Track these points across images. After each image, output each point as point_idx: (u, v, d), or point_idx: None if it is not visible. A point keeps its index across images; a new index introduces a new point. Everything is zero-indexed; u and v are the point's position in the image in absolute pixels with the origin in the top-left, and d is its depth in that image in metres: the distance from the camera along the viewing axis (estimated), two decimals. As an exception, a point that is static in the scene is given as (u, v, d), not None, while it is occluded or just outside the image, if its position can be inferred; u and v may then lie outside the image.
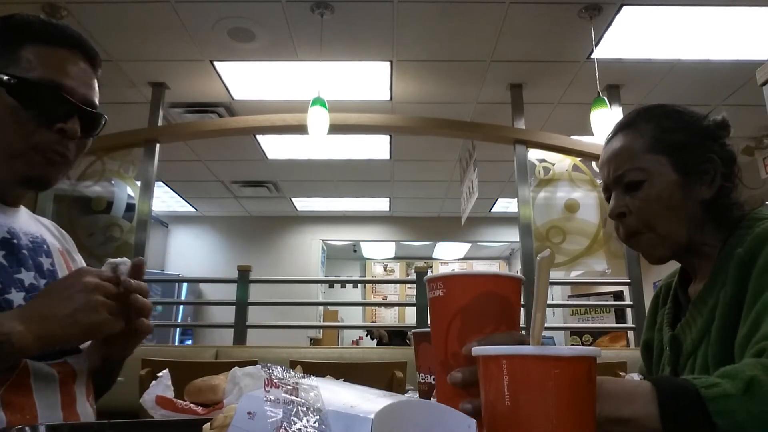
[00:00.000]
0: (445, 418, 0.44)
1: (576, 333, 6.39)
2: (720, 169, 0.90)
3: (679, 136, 0.92)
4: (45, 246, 0.89)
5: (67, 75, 0.84)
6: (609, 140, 0.99)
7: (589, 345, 5.42)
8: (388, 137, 4.90)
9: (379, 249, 9.13)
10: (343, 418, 0.40)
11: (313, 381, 0.44)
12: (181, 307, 6.74)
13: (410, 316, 7.69)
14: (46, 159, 0.83)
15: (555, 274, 3.63)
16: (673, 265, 1.01)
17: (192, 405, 0.88)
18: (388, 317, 8.95)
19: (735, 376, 0.60)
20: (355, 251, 9.21)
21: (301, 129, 3.44)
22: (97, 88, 0.90)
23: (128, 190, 3.76)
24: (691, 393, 0.58)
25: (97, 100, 0.89)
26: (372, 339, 6.66)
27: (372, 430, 0.38)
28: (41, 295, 0.71)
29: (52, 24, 0.86)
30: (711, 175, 0.90)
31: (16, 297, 0.78)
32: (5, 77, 0.80)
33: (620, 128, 0.97)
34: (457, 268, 9.48)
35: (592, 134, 3.45)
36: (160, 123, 3.95)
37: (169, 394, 0.89)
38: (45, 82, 0.82)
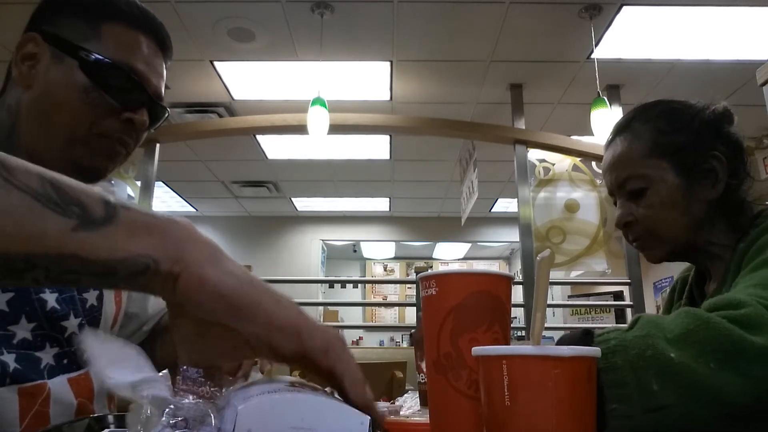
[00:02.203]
0: (335, 415, 0.41)
1: (576, 333, 6.38)
2: (724, 165, 0.87)
3: (677, 137, 0.89)
4: None
5: (144, 62, 0.77)
6: (608, 144, 0.96)
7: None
8: (388, 137, 4.90)
9: (379, 249, 9.13)
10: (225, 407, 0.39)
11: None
12: (181, 307, 6.72)
13: (410, 316, 7.69)
14: (108, 149, 0.76)
15: (555, 274, 3.63)
16: (681, 262, 1.00)
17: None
18: (388, 317, 8.95)
19: None
20: (355, 251, 9.21)
21: (301, 129, 3.44)
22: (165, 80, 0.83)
23: (128, 190, 3.76)
24: (587, 331, 0.60)
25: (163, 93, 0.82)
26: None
27: (236, 422, 0.37)
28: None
29: (137, 4, 0.79)
30: (715, 174, 0.87)
31: (50, 297, 0.75)
32: (84, 53, 0.72)
33: (618, 131, 0.95)
34: (456, 268, 9.46)
35: (592, 134, 3.44)
36: (160, 123, 3.95)
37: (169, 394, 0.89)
38: (123, 66, 0.75)
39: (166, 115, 0.83)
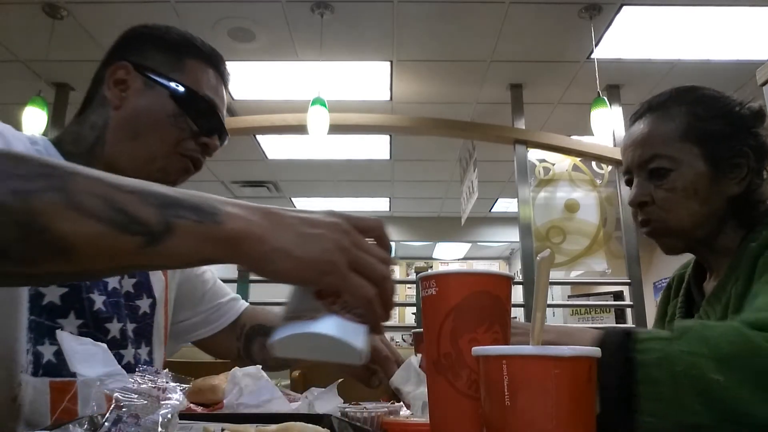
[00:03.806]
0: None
1: (576, 333, 6.37)
2: (752, 163, 0.85)
3: (713, 125, 0.86)
4: None
5: (215, 93, 0.90)
6: (635, 120, 0.92)
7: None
8: (388, 137, 4.90)
9: (379, 249, 9.12)
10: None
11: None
12: (181, 307, 6.73)
13: (410, 316, 7.69)
14: (185, 166, 0.88)
15: (555, 274, 3.63)
16: (682, 258, 0.98)
17: (192, 405, 0.88)
18: (388, 317, 8.93)
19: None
20: (355, 251, 9.20)
21: (301, 129, 3.44)
22: None
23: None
24: (630, 333, 0.60)
25: None
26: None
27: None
28: (276, 209, 0.52)
29: (208, 44, 0.92)
30: (743, 170, 0.85)
31: (98, 299, 0.80)
32: (173, 84, 0.85)
33: (649, 109, 0.91)
34: (456, 268, 9.45)
35: (592, 134, 3.44)
36: (160, 123, 3.95)
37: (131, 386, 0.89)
38: (204, 97, 0.87)
39: (228, 139, 0.96)
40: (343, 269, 0.49)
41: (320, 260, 0.49)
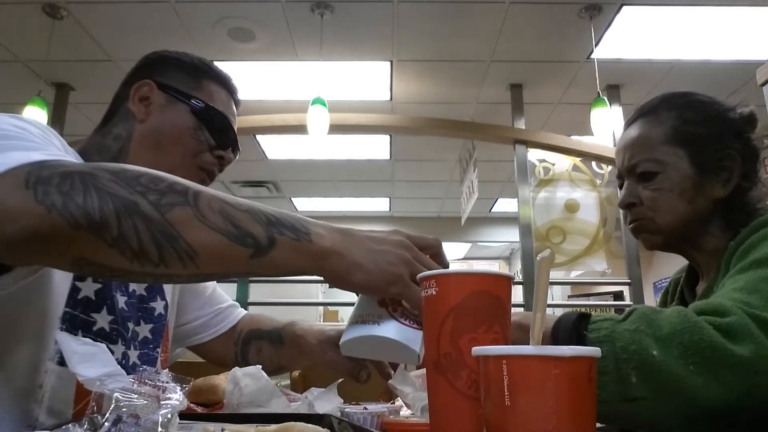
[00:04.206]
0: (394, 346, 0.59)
1: (576, 333, 6.38)
2: (739, 167, 0.87)
3: (700, 129, 0.88)
4: None
5: (230, 113, 0.98)
6: (628, 126, 0.95)
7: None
8: (388, 137, 4.90)
9: (379, 249, 9.12)
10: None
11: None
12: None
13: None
14: (202, 178, 0.94)
15: (555, 274, 3.63)
16: (681, 262, 0.99)
17: (192, 405, 0.88)
18: (388, 317, 8.93)
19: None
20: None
21: (301, 129, 3.44)
22: None
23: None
24: (584, 315, 0.64)
25: None
26: None
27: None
28: (349, 229, 0.62)
29: (222, 71, 1.01)
30: (728, 173, 0.87)
31: (120, 299, 0.84)
32: (193, 100, 0.93)
33: (640, 114, 0.94)
34: (456, 268, 9.46)
35: (592, 134, 3.45)
36: (160, 123, 3.95)
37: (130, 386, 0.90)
38: (222, 113, 0.95)
39: (239, 154, 1.02)
40: (407, 280, 0.59)
41: (387, 272, 0.59)
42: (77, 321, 0.77)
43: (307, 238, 0.58)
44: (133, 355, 0.87)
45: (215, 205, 0.56)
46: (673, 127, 0.89)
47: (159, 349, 0.93)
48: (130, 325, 0.87)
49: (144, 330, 0.91)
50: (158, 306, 0.95)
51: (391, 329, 0.60)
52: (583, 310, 0.74)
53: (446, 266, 0.64)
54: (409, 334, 0.60)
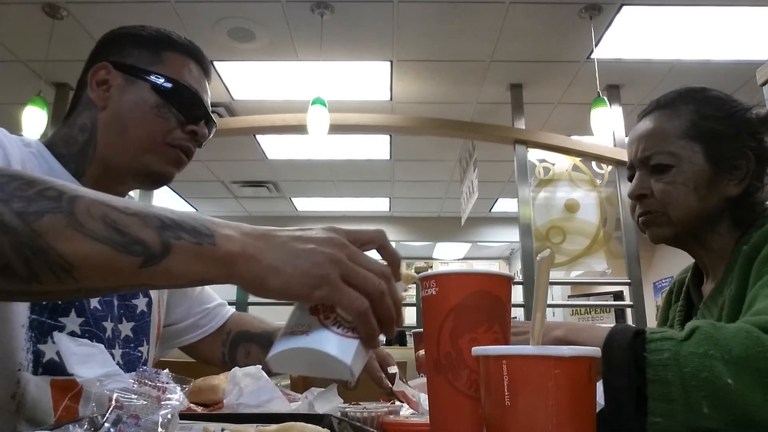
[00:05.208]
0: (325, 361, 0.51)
1: (576, 333, 6.37)
2: (753, 166, 0.86)
3: (717, 125, 0.87)
4: None
5: (198, 84, 0.92)
6: (642, 117, 0.94)
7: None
8: (388, 137, 4.90)
9: (379, 249, 9.12)
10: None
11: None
12: (181, 307, 6.73)
13: (410, 316, 7.69)
14: (176, 156, 0.89)
15: (555, 274, 3.63)
16: (682, 258, 0.99)
17: (192, 405, 0.88)
18: (388, 317, 8.93)
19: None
20: (355, 251, 9.20)
21: (301, 129, 3.44)
22: None
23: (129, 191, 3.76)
24: (639, 332, 0.60)
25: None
26: None
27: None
28: (270, 229, 0.54)
29: (185, 38, 0.94)
30: (743, 172, 0.86)
31: (92, 299, 0.81)
32: (153, 76, 0.86)
33: (657, 106, 0.93)
34: (456, 268, 9.47)
35: (592, 134, 3.45)
36: (160, 123, 3.94)
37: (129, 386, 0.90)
38: (187, 86, 0.89)
39: (215, 128, 0.96)
40: (335, 282, 0.50)
41: (310, 274, 0.49)
42: (45, 327, 0.75)
43: (211, 241, 0.50)
44: (117, 354, 0.85)
45: (96, 210, 0.48)
46: (691, 121, 0.88)
47: (143, 348, 0.91)
48: (107, 325, 0.84)
49: (125, 328, 0.88)
50: (140, 303, 0.92)
51: (317, 339, 0.51)
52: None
53: (395, 260, 0.57)
54: (340, 343, 0.51)
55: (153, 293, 0.95)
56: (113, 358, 0.84)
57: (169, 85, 0.87)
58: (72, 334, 0.77)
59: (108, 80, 0.87)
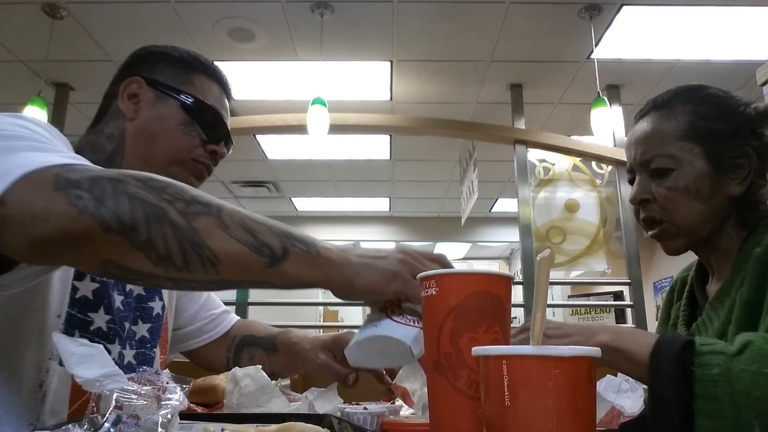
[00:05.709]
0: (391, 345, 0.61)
1: (576, 333, 6.36)
2: (755, 164, 0.85)
3: (716, 125, 0.85)
4: None
5: (220, 105, 0.97)
6: (640, 118, 0.92)
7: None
8: (388, 137, 4.90)
9: (379, 249, 9.12)
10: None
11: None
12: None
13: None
14: (198, 171, 0.95)
15: (555, 274, 3.63)
16: (682, 258, 0.98)
17: (192, 405, 0.88)
18: (388, 317, 8.92)
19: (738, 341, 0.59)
20: (355, 251, 9.19)
21: (301, 129, 3.43)
22: None
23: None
24: (689, 342, 0.58)
25: None
26: None
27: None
28: (350, 247, 0.68)
29: (211, 61, 1.00)
30: (745, 171, 0.84)
31: (117, 298, 0.85)
32: (183, 96, 0.92)
33: (654, 107, 0.91)
34: (456, 268, 9.46)
35: (592, 134, 3.44)
36: (160, 123, 3.94)
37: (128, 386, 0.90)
38: (212, 108, 0.94)
39: (233, 148, 1.02)
40: (406, 277, 0.63)
41: (386, 272, 0.63)
42: (74, 320, 0.78)
43: (314, 250, 0.61)
44: (129, 354, 0.87)
45: (236, 217, 0.59)
46: (688, 122, 0.86)
47: (156, 349, 0.93)
48: (127, 325, 0.87)
49: (142, 329, 0.91)
50: (156, 306, 0.95)
51: (384, 328, 0.62)
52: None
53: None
54: (403, 330, 0.61)
55: (166, 297, 0.98)
56: (125, 358, 0.85)
57: (196, 105, 0.92)
58: (98, 330, 0.80)
59: (139, 94, 0.91)
